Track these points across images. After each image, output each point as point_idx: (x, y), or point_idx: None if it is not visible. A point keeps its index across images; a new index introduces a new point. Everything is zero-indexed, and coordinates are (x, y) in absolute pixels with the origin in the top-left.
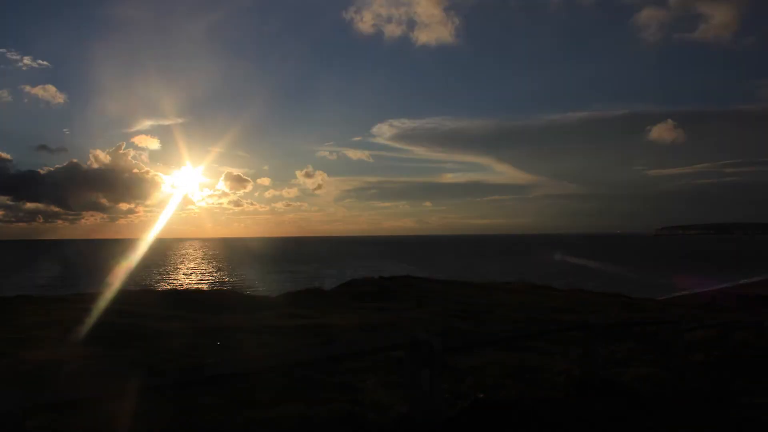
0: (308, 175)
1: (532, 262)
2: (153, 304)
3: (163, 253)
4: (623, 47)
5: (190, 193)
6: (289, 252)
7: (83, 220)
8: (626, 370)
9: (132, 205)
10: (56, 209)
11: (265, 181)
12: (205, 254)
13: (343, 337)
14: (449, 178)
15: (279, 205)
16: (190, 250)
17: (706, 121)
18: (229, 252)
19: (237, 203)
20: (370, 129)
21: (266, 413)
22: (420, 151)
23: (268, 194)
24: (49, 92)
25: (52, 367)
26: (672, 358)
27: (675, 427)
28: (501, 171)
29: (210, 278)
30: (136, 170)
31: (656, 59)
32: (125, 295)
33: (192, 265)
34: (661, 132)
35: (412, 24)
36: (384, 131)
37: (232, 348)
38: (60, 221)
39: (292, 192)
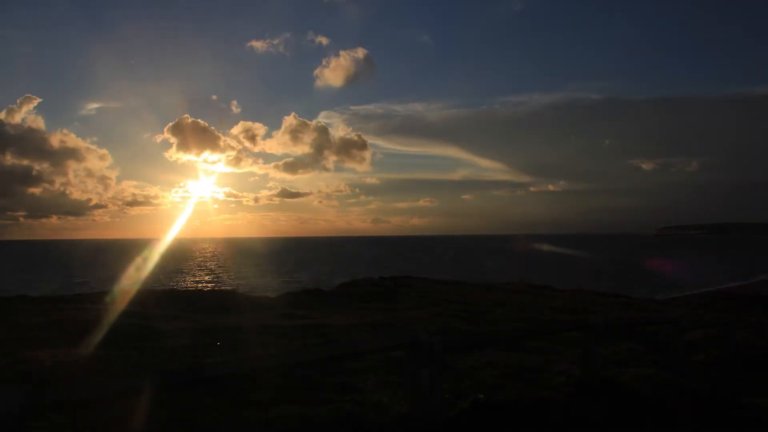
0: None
1: (523, 256)
2: (153, 305)
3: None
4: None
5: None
6: (286, 252)
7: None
8: (626, 370)
9: (74, 181)
10: None
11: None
12: (202, 255)
13: (343, 337)
14: (431, 174)
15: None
16: (185, 252)
17: (701, 111)
18: (226, 252)
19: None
20: (317, 117)
21: (266, 413)
22: (382, 143)
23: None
24: None
25: (52, 367)
26: (672, 358)
27: (675, 427)
28: (486, 167)
29: (209, 279)
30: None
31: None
32: (125, 296)
33: (191, 265)
34: (645, 121)
35: None
36: (333, 120)
37: (232, 348)
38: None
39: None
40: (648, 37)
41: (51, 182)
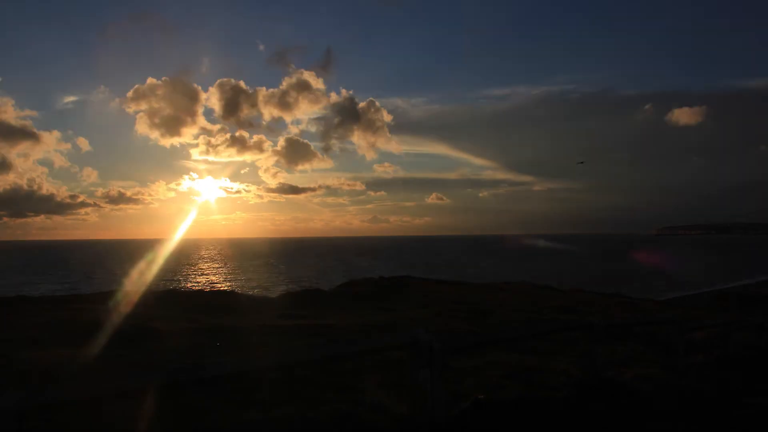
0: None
1: (522, 255)
2: (153, 305)
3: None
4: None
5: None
6: (285, 253)
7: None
8: (627, 371)
9: (51, 178)
10: None
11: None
12: (201, 255)
13: (343, 337)
14: (425, 173)
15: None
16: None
17: (698, 106)
18: (225, 252)
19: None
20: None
21: (266, 413)
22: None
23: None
24: None
25: (52, 367)
26: (672, 358)
27: (675, 427)
28: (479, 165)
29: (209, 279)
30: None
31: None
32: (125, 296)
33: (190, 266)
34: (645, 117)
35: None
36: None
37: (232, 348)
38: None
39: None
40: (646, 31)
41: (29, 178)
